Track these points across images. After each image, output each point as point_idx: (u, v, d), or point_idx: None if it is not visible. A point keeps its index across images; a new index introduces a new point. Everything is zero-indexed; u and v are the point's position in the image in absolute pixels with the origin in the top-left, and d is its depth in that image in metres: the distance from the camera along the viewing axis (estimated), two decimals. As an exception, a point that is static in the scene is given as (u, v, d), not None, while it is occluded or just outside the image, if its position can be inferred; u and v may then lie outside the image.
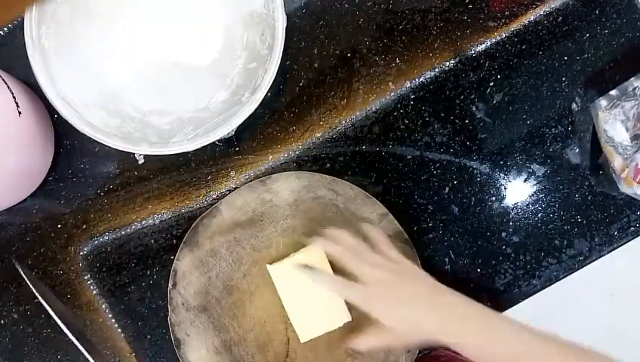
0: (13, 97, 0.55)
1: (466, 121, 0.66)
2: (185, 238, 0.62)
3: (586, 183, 0.66)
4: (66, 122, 0.56)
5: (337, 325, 0.62)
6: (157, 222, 0.65)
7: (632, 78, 0.63)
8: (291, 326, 0.64)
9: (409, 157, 0.66)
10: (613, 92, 0.63)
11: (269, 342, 0.64)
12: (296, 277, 0.59)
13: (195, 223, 0.62)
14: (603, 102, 0.64)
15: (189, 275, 0.63)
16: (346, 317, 0.62)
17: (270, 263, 0.62)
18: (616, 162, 0.62)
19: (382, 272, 0.53)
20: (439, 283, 0.53)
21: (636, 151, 0.60)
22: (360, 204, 0.63)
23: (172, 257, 0.64)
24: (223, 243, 0.63)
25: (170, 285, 0.62)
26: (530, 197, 0.66)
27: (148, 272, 0.65)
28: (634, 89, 0.62)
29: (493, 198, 0.66)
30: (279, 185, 0.63)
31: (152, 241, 0.65)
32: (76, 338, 0.52)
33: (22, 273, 0.56)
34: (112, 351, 0.65)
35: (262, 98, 0.56)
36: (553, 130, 0.66)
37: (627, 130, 0.61)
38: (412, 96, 0.66)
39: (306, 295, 0.61)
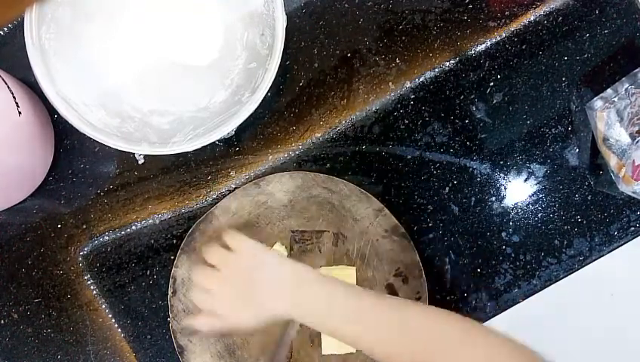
0: (13, 97, 0.55)
1: (466, 121, 0.66)
2: (182, 245, 0.62)
3: (586, 183, 0.66)
4: (66, 122, 0.56)
5: (342, 351, 0.62)
6: (157, 222, 0.65)
7: (623, 79, 0.63)
8: (293, 327, 0.64)
9: (409, 157, 0.66)
10: (607, 92, 0.64)
11: (272, 343, 0.64)
12: None
13: (191, 229, 0.62)
14: (598, 102, 0.64)
15: (188, 282, 0.63)
16: (350, 348, 0.62)
17: None
18: (613, 162, 0.62)
19: (218, 274, 0.53)
20: (287, 262, 0.53)
21: (632, 150, 0.60)
22: (355, 201, 0.63)
23: (172, 257, 0.64)
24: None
25: (170, 293, 0.62)
26: (530, 197, 0.66)
27: (148, 272, 0.65)
28: (625, 89, 0.62)
29: (493, 198, 0.66)
30: (273, 186, 0.63)
31: (152, 241, 0.65)
32: None
33: None
34: (112, 351, 0.65)
35: (262, 98, 0.56)
36: (553, 130, 0.66)
37: (622, 130, 0.61)
38: (412, 96, 0.66)
39: None
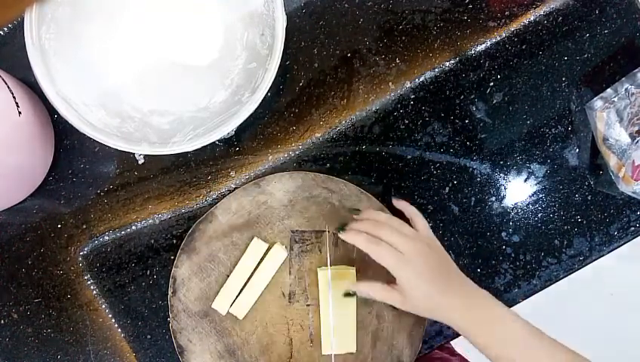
0: (13, 97, 0.55)
1: (466, 121, 0.66)
2: (182, 245, 0.62)
3: (586, 183, 0.66)
4: (66, 122, 0.56)
5: (342, 351, 0.63)
6: (157, 222, 0.65)
7: (622, 79, 0.63)
8: (294, 327, 0.64)
9: (409, 157, 0.66)
10: (606, 92, 0.64)
11: (271, 343, 0.64)
12: (336, 288, 0.62)
13: (191, 229, 0.62)
14: (598, 102, 0.64)
15: (188, 282, 0.63)
16: (351, 348, 0.63)
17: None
18: (613, 162, 0.62)
19: (415, 243, 0.56)
20: (456, 267, 0.57)
21: (632, 150, 0.60)
22: (355, 201, 0.63)
23: (172, 257, 0.64)
24: (220, 248, 0.63)
25: (170, 292, 0.63)
26: (530, 197, 0.66)
27: (148, 272, 0.65)
28: (625, 89, 0.62)
29: (493, 198, 0.66)
30: (273, 186, 0.63)
31: (152, 241, 0.65)
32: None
33: None
34: (112, 351, 0.65)
35: (262, 98, 0.56)
36: (553, 130, 0.66)
37: (622, 129, 0.61)
38: (412, 96, 0.66)
39: (336, 310, 0.62)
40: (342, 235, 0.58)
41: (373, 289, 0.57)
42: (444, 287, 0.55)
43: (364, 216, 0.59)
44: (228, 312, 0.63)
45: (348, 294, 0.61)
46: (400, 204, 0.61)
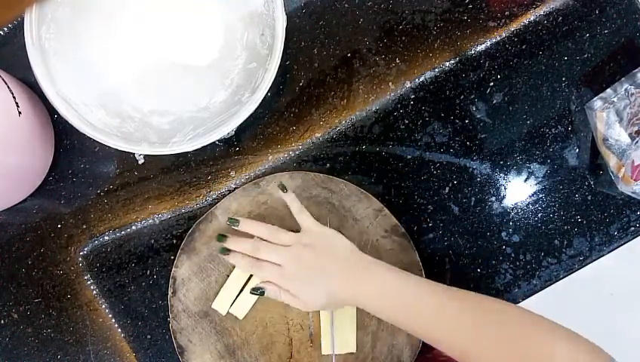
0: (13, 97, 0.55)
1: (466, 121, 0.66)
2: (182, 245, 0.62)
3: (586, 183, 0.66)
4: (66, 122, 0.56)
5: (342, 351, 0.63)
6: (157, 222, 0.65)
7: (622, 79, 0.63)
8: (294, 327, 0.64)
9: (409, 157, 0.66)
10: (606, 92, 0.64)
11: (272, 343, 0.64)
12: None
13: (191, 229, 0.62)
14: (598, 102, 0.64)
15: (188, 282, 0.63)
16: (351, 348, 0.63)
17: None
18: (612, 162, 0.62)
19: (289, 250, 0.57)
20: (356, 250, 0.57)
21: (631, 150, 0.60)
22: (355, 201, 0.63)
23: (172, 257, 0.64)
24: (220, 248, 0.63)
25: (169, 293, 0.63)
26: (530, 197, 0.66)
27: (148, 272, 0.65)
28: (625, 89, 0.62)
29: (493, 198, 0.66)
30: (273, 186, 0.63)
31: (152, 241, 0.65)
32: None
33: None
34: (112, 351, 0.65)
35: (262, 98, 0.56)
36: (553, 130, 0.66)
37: (621, 130, 0.61)
38: (412, 96, 0.66)
39: (336, 310, 0.62)
40: (224, 256, 0.60)
41: (277, 293, 0.58)
42: (330, 279, 0.56)
43: (243, 229, 0.60)
44: (228, 312, 0.63)
45: (255, 290, 0.60)
46: (287, 198, 0.61)
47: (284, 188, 0.61)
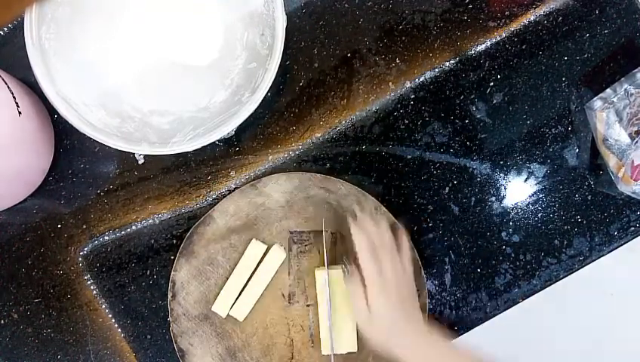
0: (13, 97, 0.55)
1: (466, 121, 0.66)
2: (180, 248, 0.62)
3: (586, 183, 0.66)
4: (66, 122, 0.56)
5: (343, 350, 0.63)
6: (157, 222, 0.65)
7: (622, 79, 0.63)
8: (294, 327, 0.64)
9: (409, 157, 0.66)
10: (606, 93, 0.64)
11: (272, 345, 0.64)
12: (334, 290, 0.62)
13: (189, 232, 0.62)
14: (598, 102, 0.64)
15: (187, 285, 0.63)
16: (352, 347, 0.62)
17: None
18: (612, 162, 0.62)
19: (387, 276, 0.56)
20: (420, 312, 0.58)
21: (631, 150, 0.60)
22: (353, 200, 0.63)
23: (172, 257, 0.64)
24: (219, 251, 0.63)
25: (169, 296, 0.62)
26: (530, 197, 0.66)
27: (148, 272, 0.65)
28: (625, 89, 0.62)
29: (493, 198, 0.66)
30: (271, 187, 0.63)
31: (152, 241, 0.65)
32: None
33: None
34: (112, 351, 0.65)
35: (262, 98, 0.56)
36: (553, 130, 0.66)
37: (621, 130, 0.61)
38: (412, 96, 0.66)
39: (336, 309, 0.62)
40: (352, 224, 0.57)
41: (355, 294, 0.57)
42: (406, 316, 0.56)
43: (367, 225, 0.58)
44: (228, 315, 0.63)
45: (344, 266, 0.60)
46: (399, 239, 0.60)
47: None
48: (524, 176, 0.66)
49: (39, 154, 0.61)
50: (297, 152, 0.65)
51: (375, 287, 0.55)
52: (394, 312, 0.55)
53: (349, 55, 0.66)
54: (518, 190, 0.66)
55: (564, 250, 0.66)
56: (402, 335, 0.55)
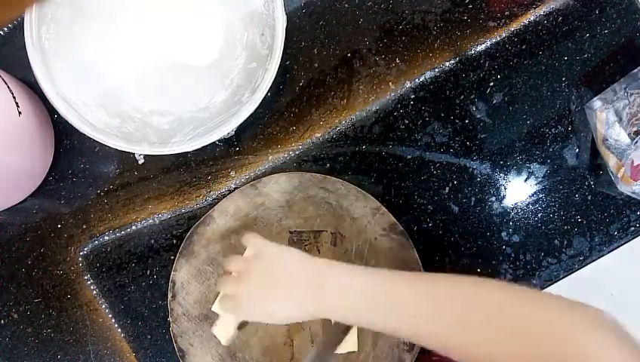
0: (13, 97, 0.55)
1: (466, 121, 0.66)
2: (180, 249, 0.62)
3: (586, 183, 0.66)
4: (66, 122, 0.56)
5: (344, 350, 0.62)
6: (157, 222, 0.65)
7: (622, 79, 0.63)
8: (294, 327, 0.64)
9: (409, 157, 0.66)
10: (606, 93, 0.64)
11: (272, 345, 0.64)
12: None
13: (189, 233, 0.62)
14: (597, 102, 0.64)
15: (187, 285, 0.63)
16: (352, 347, 0.62)
17: None
18: (612, 162, 0.62)
19: (243, 277, 0.53)
20: (308, 258, 0.53)
21: (631, 150, 0.60)
22: (352, 200, 0.63)
23: (172, 257, 0.64)
24: (219, 251, 0.63)
25: (169, 296, 0.62)
26: (530, 197, 0.66)
27: (148, 272, 0.65)
28: (624, 90, 0.62)
29: (493, 198, 0.66)
30: (270, 187, 0.63)
31: (152, 241, 0.65)
32: None
33: None
34: (112, 351, 0.65)
35: (262, 98, 0.56)
36: (553, 130, 0.66)
37: (621, 130, 0.61)
38: (412, 96, 0.66)
39: None
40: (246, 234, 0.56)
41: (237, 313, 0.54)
42: (288, 294, 0.52)
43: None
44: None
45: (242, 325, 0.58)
46: (244, 239, 0.56)
47: None
48: (524, 176, 0.66)
49: (39, 154, 0.61)
50: (297, 152, 0.65)
51: (237, 304, 0.53)
52: (272, 303, 0.52)
53: (349, 55, 0.66)
54: (518, 190, 0.66)
55: (564, 250, 0.66)
56: (307, 311, 0.51)
